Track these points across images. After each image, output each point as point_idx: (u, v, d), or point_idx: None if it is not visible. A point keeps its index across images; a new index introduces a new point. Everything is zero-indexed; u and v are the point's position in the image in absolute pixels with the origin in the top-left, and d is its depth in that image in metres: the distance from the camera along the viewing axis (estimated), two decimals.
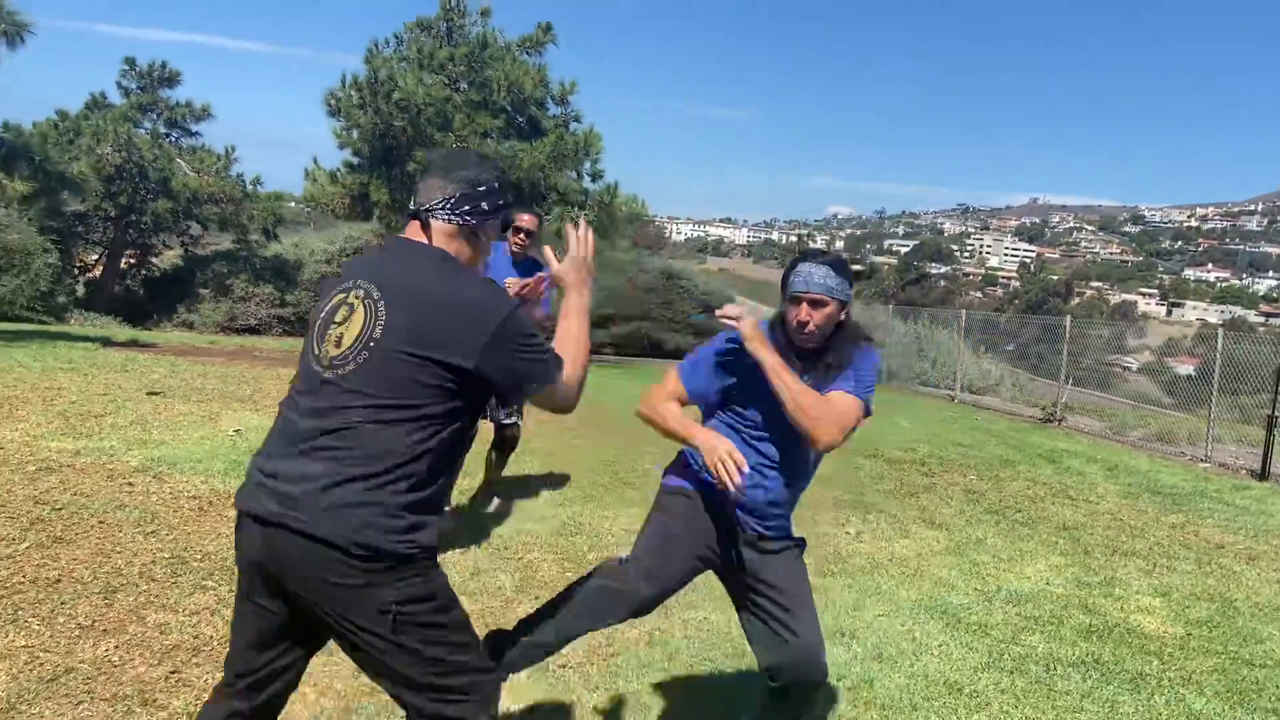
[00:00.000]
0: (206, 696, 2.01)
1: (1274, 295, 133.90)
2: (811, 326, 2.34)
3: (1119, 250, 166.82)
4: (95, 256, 23.09)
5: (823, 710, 3.10)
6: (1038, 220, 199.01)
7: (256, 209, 21.66)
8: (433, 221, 1.90)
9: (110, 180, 20.43)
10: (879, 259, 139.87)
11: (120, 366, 9.12)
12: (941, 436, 10.10)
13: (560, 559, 4.51)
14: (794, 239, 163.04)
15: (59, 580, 3.54)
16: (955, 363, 16.53)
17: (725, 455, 2.21)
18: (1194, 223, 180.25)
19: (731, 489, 2.19)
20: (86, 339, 11.89)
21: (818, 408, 2.28)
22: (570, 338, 1.94)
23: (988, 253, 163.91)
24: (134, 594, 3.51)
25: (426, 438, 1.77)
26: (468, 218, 1.90)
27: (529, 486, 5.86)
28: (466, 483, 5.43)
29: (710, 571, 2.59)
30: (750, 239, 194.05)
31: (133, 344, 12.28)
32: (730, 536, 2.49)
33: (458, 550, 4.45)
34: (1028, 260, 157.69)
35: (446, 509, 4.80)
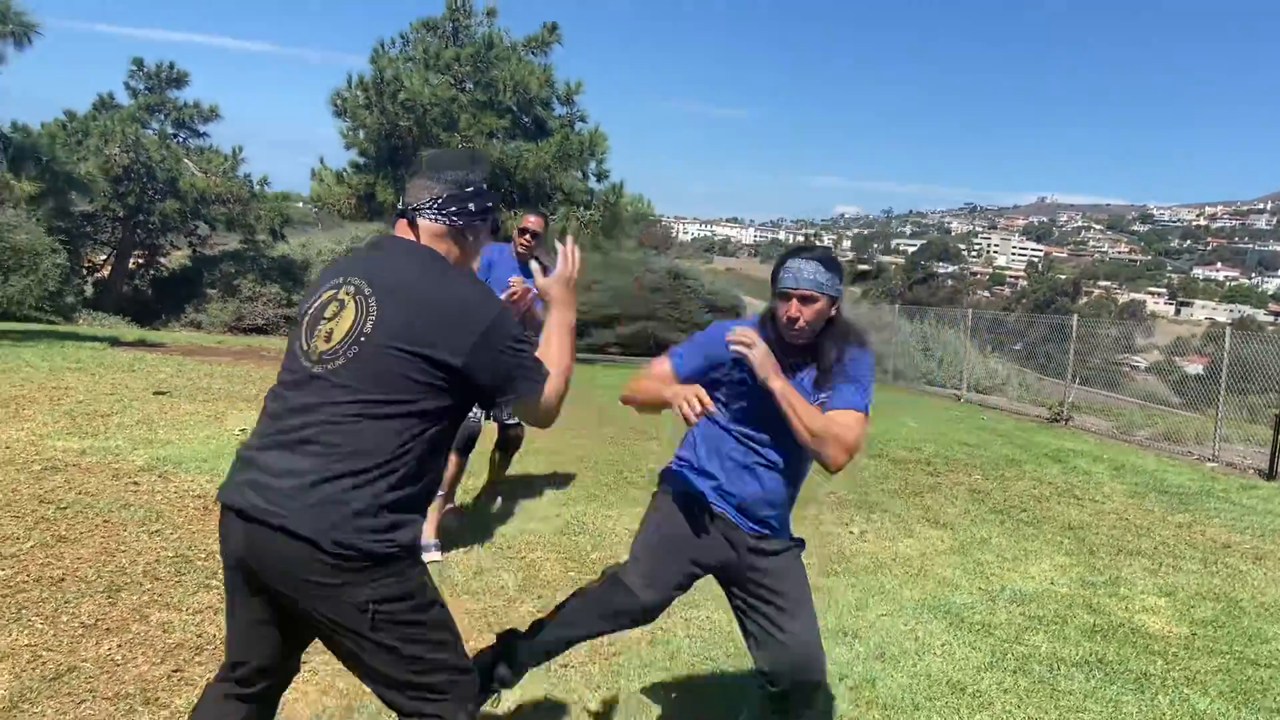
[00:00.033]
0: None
1: None
2: (801, 323, 2.32)
3: (1127, 249, 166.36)
4: (103, 257, 23.20)
5: (824, 710, 3.09)
6: (1046, 219, 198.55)
7: (263, 209, 21.75)
8: (420, 221, 1.91)
9: (118, 181, 20.53)
10: (886, 258, 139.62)
11: (127, 366, 9.15)
12: (947, 436, 10.08)
13: (563, 558, 4.51)
14: (801, 238, 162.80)
15: (63, 579, 3.55)
16: (961, 362, 16.49)
17: (690, 394, 2.16)
18: (1203, 221, 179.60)
19: (692, 417, 2.15)
20: (94, 339, 11.94)
21: (828, 433, 2.27)
22: (554, 354, 1.94)
23: (995, 252, 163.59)
24: (137, 593, 3.53)
25: (412, 436, 1.77)
26: (455, 218, 1.91)
27: (532, 486, 5.87)
28: (471, 482, 5.44)
29: (710, 575, 2.58)
30: (757, 239, 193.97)
31: (140, 344, 12.33)
32: (727, 539, 2.47)
33: (461, 549, 4.45)
34: (1035, 259, 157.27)
35: (450, 506, 4.82)
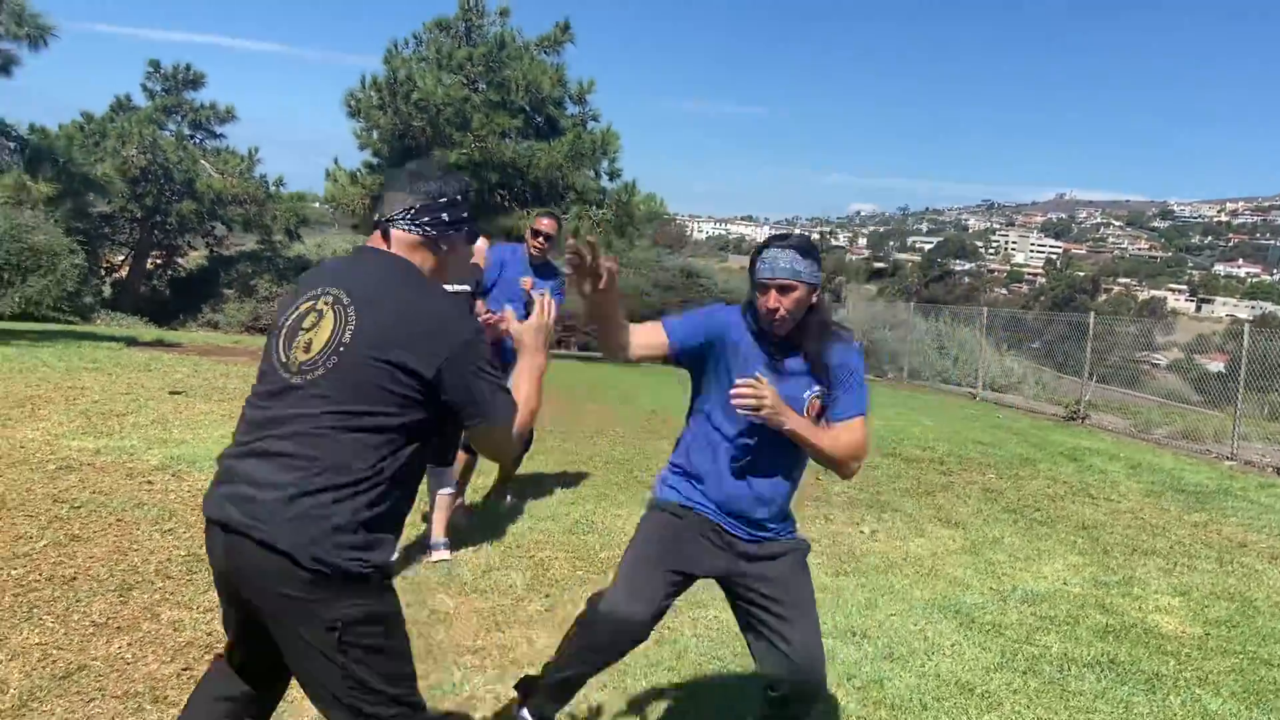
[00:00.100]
0: None
1: None
2: (781, 313, 2.29)
3: (1147, 246, 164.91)
4: (121, 257, 23.43)
5: (831, 709, 3.08)
6: (1064, 216, 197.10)
7: (279, 210, 21.90)
8: (393, 231, 1.92)
9: (136, 182, 20.72)
10: (902, 256, 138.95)
11: (144, 366, 9.23)
12: (961, 435, 10.02)
13: (572, 557, 4.51)
14: (816, 236, 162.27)
15: (75, 578, 3.58)
16: (977, 360, 16.40)
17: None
18: (1224, 217, 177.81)
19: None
20: (112, 339, 12.05)
21: (842, 450, 2.33)
22: (523, 393, 1.95)
23: (1013, 249, 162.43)
24: (149, 591, 3.55)
25: (389, 451, 1.78)
26: (428, 229, 1.92)
27: (542, 484, 5.88)
28: (480, 480, 5.46)
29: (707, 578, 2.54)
30: None
31: (158, 344, 12.43)
32: (720, 547, 2.42)
33: (470, 548, 4.46)
34: (1054, 256, 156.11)
35: (460, 504, 4.83)
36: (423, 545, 4.37)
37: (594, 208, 16.98)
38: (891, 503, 6.40)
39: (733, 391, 2.21)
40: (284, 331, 1.86)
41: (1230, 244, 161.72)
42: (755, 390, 2.19)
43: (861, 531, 5.56)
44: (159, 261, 23.66)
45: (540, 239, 4.90)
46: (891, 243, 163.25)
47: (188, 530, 4.27)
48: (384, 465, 1.77)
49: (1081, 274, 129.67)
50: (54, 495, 4.52)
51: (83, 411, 6.48)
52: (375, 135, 17.33)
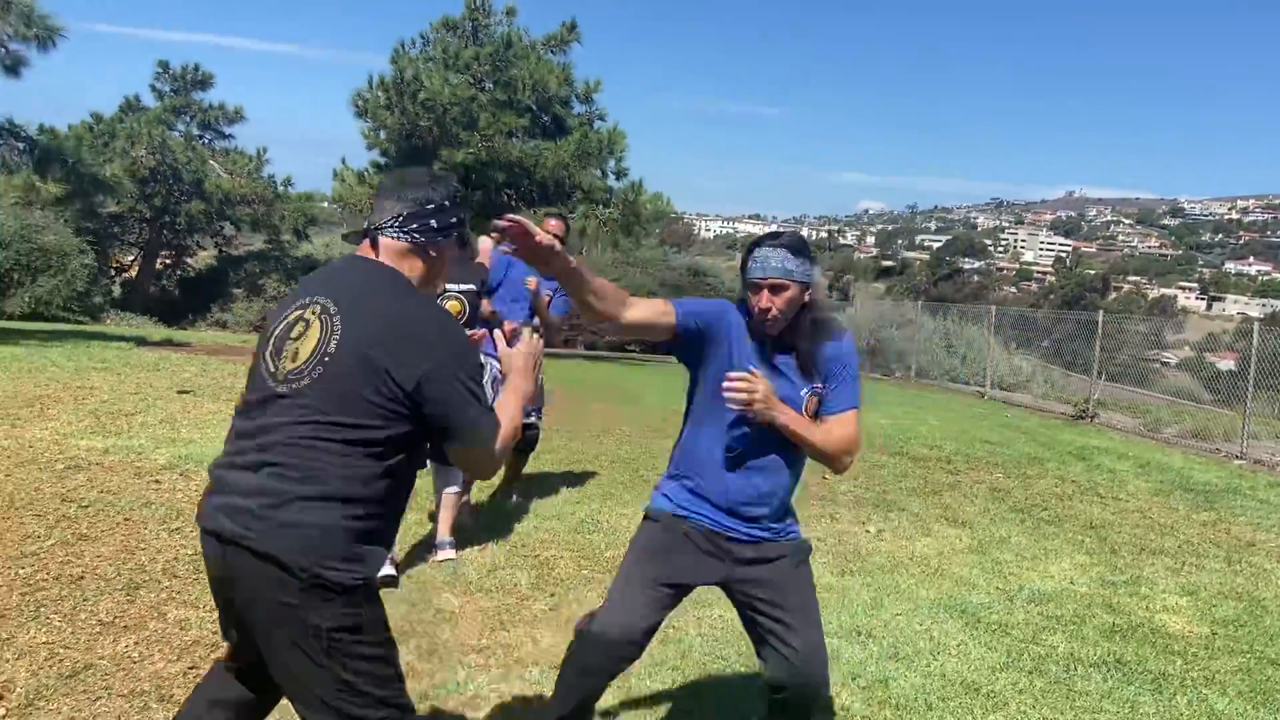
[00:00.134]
0: None
1: None
2: (774, 313, 2.27)
3: (1157, 244, 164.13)
4: (131, 257, 23.55)
5: (836, 709, 3.08)
6: (1074, 214, 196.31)
7: (288, 209, 21.98)
8: (381, 239, 1.92)
9: (145, 182, 20.82)
10: (910, 254, 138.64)
11: (152, 366, 9.27)
12: (969, 434, 9.99)
13: (578, 556, 4.52)
14: (824, 234, 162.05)
15: (82, 577, 3.60)
16: (985, 359, 16.35)
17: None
18: (1235, 215, 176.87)
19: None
20: (121, 338, 12.10)
21: (834, 445, 2.32)
22: (507, 412, 1.94)
23: (1022, 247, 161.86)
24: (156, 590, 3.57)
25: (376, 462, 1.78)
26: (416, 235, 1.92)
27: (548, 484, 5.88)
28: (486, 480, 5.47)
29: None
30: None
31: (166, 343, 12.48)
32: (715, 555, 2.38)
33: (476, 547, 4.47)
34: (1064, 254, 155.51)
35: (466, 503, 4.83)
36: (428, 544, 4.38)
37: (600, 207, 17.00)
38: (898, 502, 6.39)
39: (724, 385, 2.20)
40: (273, 340, 1.87)
41: (1241, 241, 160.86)
42: (748, 384, 2.18)
43: (867, 531, 5.55)
44: (168, 261, 23.79)
45: None
46: (900, 241, 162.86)
47: (195, 529, 4.26)
48: (372, 476, 1.78)
49: (1091, 272, 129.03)
50: (62, 494, 4.54)
51: (91, 411, 6.51)
52: (382, 135, 17.39)
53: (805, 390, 2.34)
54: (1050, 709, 3.27)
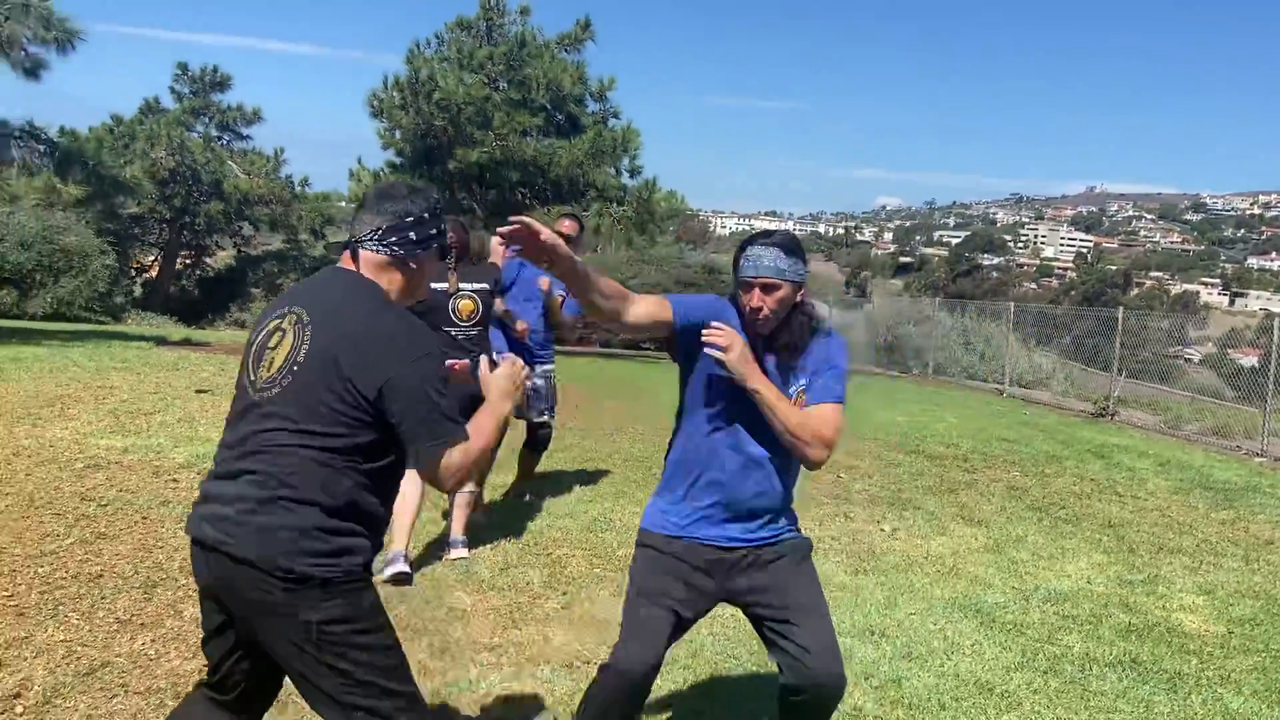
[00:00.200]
0: None
1: None
2: (765, 312, 2.26)
3: (1179, 239, 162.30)
4: (152, 258, 23.78)
5: (848, 709, 3.07)
6: (1095, 209, 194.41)
7: (305, 209, 22.14)
8: (361, 252, 1.96)
9: (164, 183, 21.02)
10: (929, 250, 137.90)
11: (172, 365, 9.36)
12: (986, 431, 9.94)
13: (590, 554, 4.53)
14: (841, 231, 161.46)
15: (100, 575, 3.65)
16: (1004, 356, 16.24)
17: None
18: (1257, 210, 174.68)
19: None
20: (141, 338, 12.22)
21: (807, 429, 2.23)
22: (480, 427, 1.95)
23: (1043, 243, 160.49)
24: (173, 588, 3.61)
25: (347, 470, 1.81)
26: (395, 248, 1.95)
27: (561, 482, 5.90)
28: (499, 478, 5.49)
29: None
30: (797, 232, 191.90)
31: (186, 343, 12.59)
32: (711, 571, 2.35)
33: (488, 545, 4.49)
34: (1084, 250, 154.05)
35: (479, 501, 4.85)
36: (442, 542, 4.41)
37: (615, 205, 17.01)
38: (913, 500, 6.36)
39: (704, 331, 2.18)
40: (254, 350, 1.92)
41: (1263, 237, 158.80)
42: (726, 335, 2.18)
43: (882, 530, 5.53)
44: (188, 261, 24.02)
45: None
46: (918, 237, 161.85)
47: None
48: (347, 481, 1.82)
49: (1113, 268, 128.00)
50: (81, 493, 4.60)
51: (111, 410, 6.58)
52: (398, 135, 17.47)
53: (794, 387, 2.32)
54: (1065, 709, 3.25)
